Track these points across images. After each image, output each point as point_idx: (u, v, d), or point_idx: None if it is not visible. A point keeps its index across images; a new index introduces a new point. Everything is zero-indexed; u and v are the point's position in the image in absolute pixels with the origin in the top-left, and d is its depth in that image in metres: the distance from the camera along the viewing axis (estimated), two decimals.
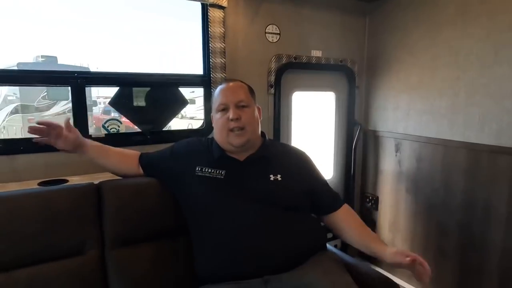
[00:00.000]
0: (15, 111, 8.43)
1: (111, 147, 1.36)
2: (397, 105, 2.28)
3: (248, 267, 1.11)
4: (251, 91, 1.32)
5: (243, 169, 1.25)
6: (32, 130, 1.16)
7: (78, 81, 1.54)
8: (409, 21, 2.15)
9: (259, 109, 1.33)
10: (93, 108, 9.60)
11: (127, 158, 1.36)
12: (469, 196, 1.92)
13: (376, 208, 2.49)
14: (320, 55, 2.24)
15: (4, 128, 8.54)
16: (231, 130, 1.21)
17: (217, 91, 1.30)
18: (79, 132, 1.26)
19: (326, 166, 2.47)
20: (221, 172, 1.23)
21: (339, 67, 2.33)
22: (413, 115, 2.18)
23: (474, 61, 1.84)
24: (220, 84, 1.36)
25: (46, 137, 1.19)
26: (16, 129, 8.40)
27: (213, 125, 1.33)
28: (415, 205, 2.23)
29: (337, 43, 2.31)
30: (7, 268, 1.07)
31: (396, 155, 2.32)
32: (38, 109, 8.49)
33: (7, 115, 8.51)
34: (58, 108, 8.55)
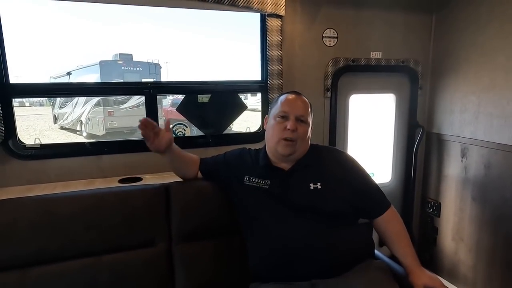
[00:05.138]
0: (97, 104, 9.48)
1: (182, 151, 1.46)
2: (464, 107, 2.14)
3: (296, 271, 1.18)
4: (311, 109, 1.36)
5: (286, 179, 1.30)
6: (142, 123, 1.25)
7: (150, 91, 1.73)
8: (481, 17, 1.99)
9: (311, 128, 1.36)
10: (163, 100, 10.35)
11: (189, 165, 1.48)
12: None
13: (438, 215, 2.38)
14: (380, 57, 2.19)
15: (89, 120, 9.65)
16: (284, 138, 1.27)
17: (281, 98, 1.34)
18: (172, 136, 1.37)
19: (384, 169, 2.42)
20: (267, 182, 1.30)
21: (400, 68, 2.25)
22: (483, 119, 2.03)
23: None
24: (285, 93, 1.38)
25: (149, 132, 1.27)
26: (98, 120, 9.45)
27: (265, 127, 1.38)
28: (482, 214, 2.10)
29: (399, 43, 2.23)
30: (96, 253, 1.29)
31: (462, 160, 2.19)
32: (116, 102, 9.44)
33: (91, 107, 9.61)
34: (133, 101, 9.43)
